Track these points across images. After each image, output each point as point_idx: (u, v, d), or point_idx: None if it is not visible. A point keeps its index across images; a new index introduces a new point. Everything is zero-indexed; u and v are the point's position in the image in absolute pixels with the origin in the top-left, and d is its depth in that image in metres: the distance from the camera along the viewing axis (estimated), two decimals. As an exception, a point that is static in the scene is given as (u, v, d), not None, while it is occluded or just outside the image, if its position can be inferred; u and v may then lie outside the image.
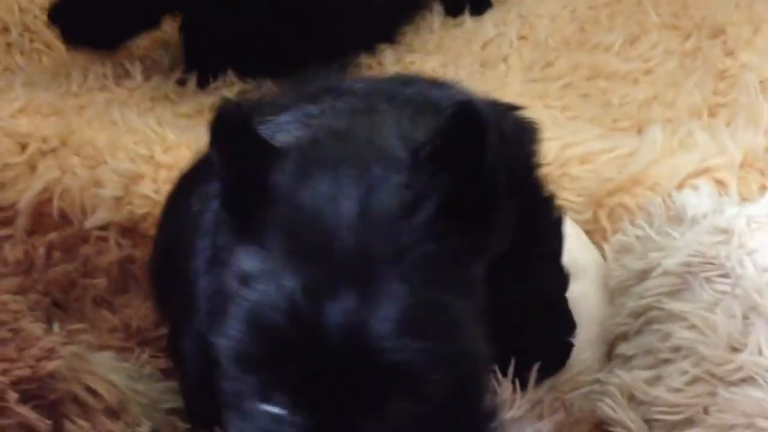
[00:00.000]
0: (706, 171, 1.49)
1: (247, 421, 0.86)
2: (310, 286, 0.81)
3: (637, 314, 1.29)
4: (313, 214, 0.84)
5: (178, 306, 1.15)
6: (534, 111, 1.77)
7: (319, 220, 0.83)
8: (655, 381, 1.20)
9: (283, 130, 0.99)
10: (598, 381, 1.25)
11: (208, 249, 1.03)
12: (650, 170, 1.52)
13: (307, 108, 1.04)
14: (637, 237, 1.40)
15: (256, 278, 0.84)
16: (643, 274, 1.32)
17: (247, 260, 0.86)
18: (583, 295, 1.33)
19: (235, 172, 0.87)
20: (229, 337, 0.84)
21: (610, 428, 1.20)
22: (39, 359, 1.13)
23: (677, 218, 1.39)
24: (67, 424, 1.14)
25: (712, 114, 1.82)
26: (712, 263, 1.25)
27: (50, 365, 1.13)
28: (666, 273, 1.28)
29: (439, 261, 0.84)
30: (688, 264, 1.27)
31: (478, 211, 0.87)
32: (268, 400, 0.84)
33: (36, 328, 1.18)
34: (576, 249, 1.40)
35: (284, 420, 0.83)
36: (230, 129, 0.86)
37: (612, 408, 1.20)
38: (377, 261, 0.82)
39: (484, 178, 0.86)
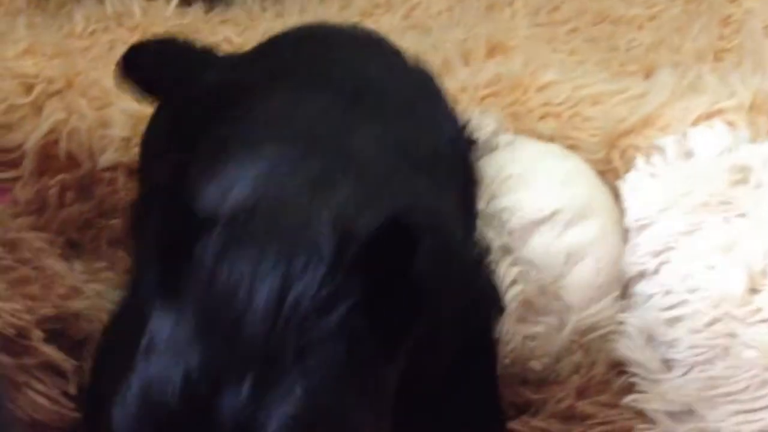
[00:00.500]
0: (717, 113, 1.49)
1: None
2: (210, 368, 0.78)
3: (655, 253, 1.28)
4: (228, 295, 0.81)
5: None
6: (542, 54, 1.80)
7: (233, 303, 0.80)
8: (675, 321, 1.20)
9: (232, 189, 0.96)
10: (616, 322, 1.25)
11: None
12: (661, 112, 1.51)
13: (259, 163, 1.00)
14: (652, 175, 1.39)
15: (160, 350, 0.81)
16: (660, 213, 1.31)
17: (158, 325, 0.82)
18: (599, 235, 1.33)
19: (166, 239, 0.84)
20: (122, 407, 0.80)
21: (628, 368, 1.21)
22: (64, 298, 1.12)
23: (692, 156, 1.39)
24: (89, 364, 1.13)
25: (718, 59, 1.82)
26: (729, 202, 1.25)
27: (76, 304, 1.12)
28: (684, 212, 1.28)
29: (346, 364, 0.81)
30: (706, 204, 1.27)
31: (395, 317, 0.84)
32: None
33: (60, 267, 1.17)
34: (588, 188, 1.41)
35: None
36: (164, 198, 0.84)
37: (630, 348, 1.20)
38: (282, 354, 0.78)
39: (406, 290, 0.83)
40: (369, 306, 0.81)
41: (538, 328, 1.25)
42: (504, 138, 1.46)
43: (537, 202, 1.33)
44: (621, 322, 1.25)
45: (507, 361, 1.23)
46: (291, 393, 0.77)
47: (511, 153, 1.43)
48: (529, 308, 1.26)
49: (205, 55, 1.56)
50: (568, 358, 1.24)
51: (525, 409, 1.21)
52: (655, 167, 1.40)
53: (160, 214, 0.84)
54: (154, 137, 1.42)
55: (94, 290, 1.17)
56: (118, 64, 1.56)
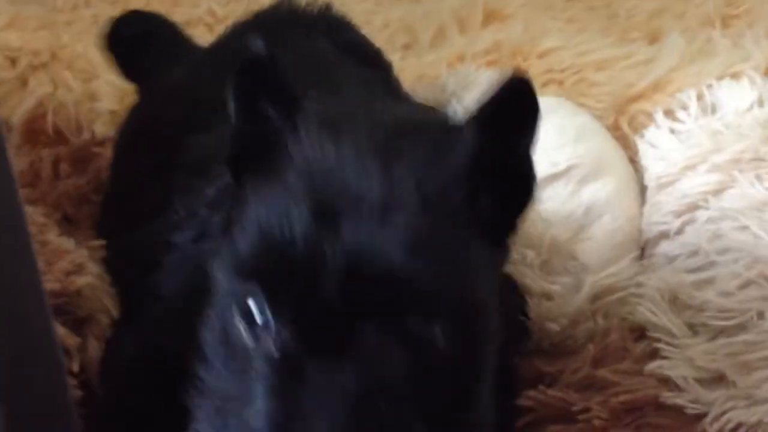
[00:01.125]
0: (732, 76, 1.44)
1: (231, 357, 0.81)
2: (330, 205, 0.77)
3: (678, 213, 1.25)
4: (337, 156, 0.81)
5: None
6: (540, 22, 1.75)
7: (343, 162, 0.80)
8: (703, 284, 1.16)
9: None
10: (636, 284, 1.21)
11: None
12: (672, 76, 1.48)
13: None
14: (672, 130, 1.35)
15: (274, 200, 0.80)
16: (685, 170, 1.27)
17: (264, 187, 0.82)
18: (615, 193, 1.30)
19: (254, 114, 0.84)
20: (237, 245, 0.80)
21: (649, 333, 1.16)
22: (68, 273, 1.09)
23: (715, 111, 1.35)
24: (91, 342, 1.10)
25: (725, 25, 1.78)
26: (763, 159, 1.21)
27: (80, 281, 1.09)
28: (712, 169, 1.24)
29: (464, 212, 0.81)
30: (737, 160, 1.22)
31: (509, 190, 0.85)
32: (258, 310, 0.78)
33: (64, 242, 1.13)
34: (602, 144, 1.37)
35: (273, 332, 0.77)
36: (258, 75, 0.84)
37: (652, 311, 1.16)
38: (401, 195, 0.78)
39: (519, 162, 0.85)
40: (487, 159, 0.81)
41: (555, 287, 1.21)
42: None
43: (550, 156, 1.30)
44: (640, 284, 1.20)
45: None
46: (411, 218, 0.77)
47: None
48: (545, 267, 1.22)
49: (178, 45, 1.55)
50: (585, 324, 1.19)
51: (539, 380, 1.17)
52: (677, 123, 1.36)
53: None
54: (125, 136, 1.40)
55: (96, 270, 1.12)
56: (102, 36, 1.53)
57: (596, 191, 1.28)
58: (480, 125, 0.82)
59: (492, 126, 0.81)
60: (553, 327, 1.19)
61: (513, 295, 1.16)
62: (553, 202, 1.26)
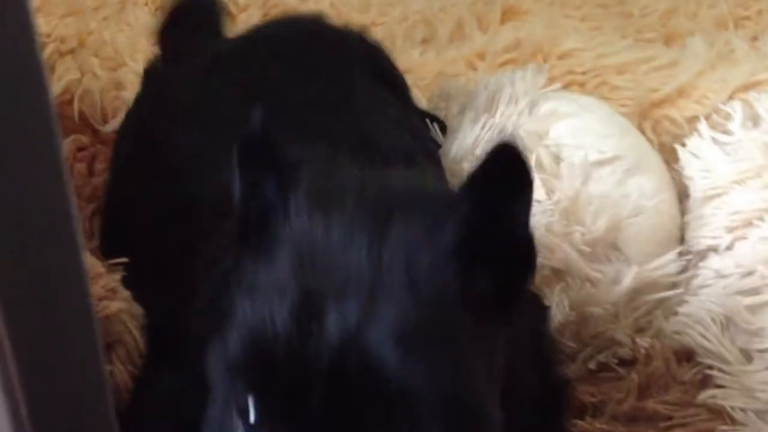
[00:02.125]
0: (756, 84, 1.45)
1: None
2: (315, 294, 0.75)
3: (730, 228, 1.23)
4: (326, 235, 0.78)
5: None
6: (555, 20, 1.77)
7: (332, 241, 0.78)
8: (758, 308, 1.13)
9: None
10: (677, 284, 1.21)
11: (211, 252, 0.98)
12: (697, 82, 1.48)
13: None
14: (715, 141, 1.33)
15: (261, 290, 0.78)
16: (734, 185, 1.26)
17: (255, 271, 0.80)
18: (657, 189, 1.30)
19: (253, 189, 0.82)
20: (227, 343, 0.77)
21: (699, 359, 1.12)
22: (101, 299, 1.07)
23: (761, 123, 1.32)
24: (118, 366, 1.09)
25: (738, 26, 1.80)
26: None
27: (112, 306, 1.07)
28: (765, 185, 1.22)
29: (457, 296, 0.77)
30: (792, 176, 1.19)
31: (506, 266, 0.80)
32: (252, 408, 0.76)
33: (96, 264, 1.10)
34: (643, 143, 1.39)
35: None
36: (254, 150, 0.82)
37: (704, 336, 1.12)
38: (389, 279, 0.75)
39: (515, 234, 0.80)
40: (481, 233, 0.78)
41: (597, 274, 1.21)
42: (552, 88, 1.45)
43: (597, 145, 1.30)
44: (688, 303, 1.18)
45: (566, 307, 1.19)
46: (399, 308, 0.74)
47: (564, 99, 1.40)
48: (588, 254, 1.22)
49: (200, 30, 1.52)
50: (628, 318, 1.19)
51: (582, 410, 1.13)
52: (721, 134, 1.34)
53: (246, 162, 0.81)
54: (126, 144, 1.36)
55: (126, 294, 1.10)
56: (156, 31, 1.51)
57: (641, 185, 1.28)
58: (471, 198, 0.78)
59: (483, 197, 0.78)
60: (595, 310, 1.18)
61: (538, 311, 1.11)
62: (600, 186, 1.26)
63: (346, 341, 0.72)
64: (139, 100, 1.40)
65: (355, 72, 1.34)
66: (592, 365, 1.17)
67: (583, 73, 1.58)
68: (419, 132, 1.38)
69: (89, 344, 0.50)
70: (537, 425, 0.99)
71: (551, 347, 1.09)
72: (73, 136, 1.50)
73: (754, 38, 1.71)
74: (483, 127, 1.35)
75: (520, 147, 0.76)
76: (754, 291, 1.15)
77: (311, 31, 1.42)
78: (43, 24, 1.60)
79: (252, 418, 0.75)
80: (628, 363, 1.15)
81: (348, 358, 0.72)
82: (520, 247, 0.81)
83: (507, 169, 0.77)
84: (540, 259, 1.15)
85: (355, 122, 1.19)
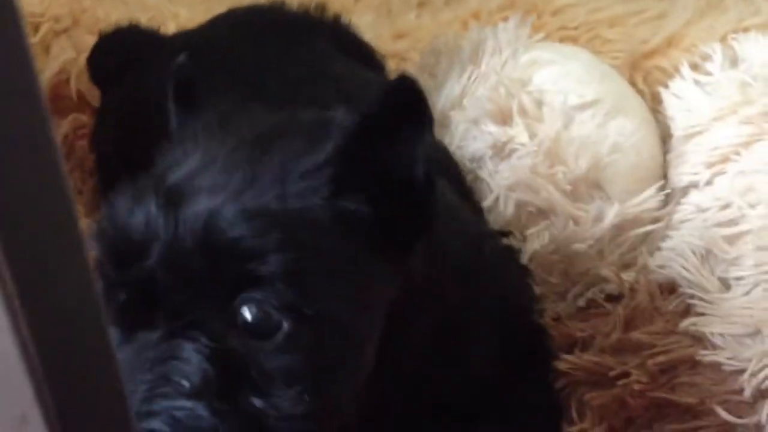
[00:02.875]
0: (743, 30, 1.45)
1: None
2: (185, 189, 0.81)
3: (709, 164, 1.26)
4: (216, 150, 0.84)
5: None
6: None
7: (217, 156, 0.84)
8: (736, 238, 1.16)
9: None
10: (659, 219, 1.24)
11: None
12: (685, 31, 1.49)
13: None
14: (697, 82, 1.35)
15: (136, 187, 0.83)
16: (713, 122, 1.28)
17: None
18: (637, 131, 1.33)
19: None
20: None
21: (681, 289, 1.16)
22: None
23: (739, 64, 1.35)
24: None
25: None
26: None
27: None
28: (742, 121, 1.24)
29: (324, 207, 0.80)
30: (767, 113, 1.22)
31: (392, 198, 0.82)
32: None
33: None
34: (624, 88, 1.41)
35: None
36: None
37: (685, 268, 1.16)
38: (261, 177, 0.80)
39: (402, 167, 0.82)
40: (361, 156, 0.80)
41: (581, 213, 1.24)
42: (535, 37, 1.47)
43: (578, 89, 1.33)
44: (670, 238, 1.21)
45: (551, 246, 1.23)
46: (261, 198, 0.78)
47: (547, 48, 1.43)
48: (571, 193, 1.25)
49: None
50: (613, 255, 1.23)
51: (572, 344, 1.17)
52: (702, 75, 1.36)
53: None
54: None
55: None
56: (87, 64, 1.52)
57: (621, 127, 1.31)
58: (358, 122, 0.81)
59: (370, 123, 0.80)
60: (580, 247, 1.22)
61: (514, 262, 1.17)
62: (581, 129, 1.29)
63: (200, 217, 0.77)
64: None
65: (318, 43, 1.39)
66: (581, 302, 1.21)
67: (576, 28, 1.59)
68: None
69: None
70: (509, 378, 1.04)
71: (526, 297, 1.13)
72: (72, 116, 1.53)
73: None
74: (469, 78, 1.38)
75: (417, 84, 0.79)
76: (732, 222, 1.18)
77: (271, 12, 1.48)
78: (36, 4, 1.60)
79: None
80: (615, 298, 1.19)
81: (195, 227, 0.77)
82: (412, 184, 0.82)
83: (403, 104, 0.79)
84: (525, 198, 1.24)
85: (307, 89, 1.22)
